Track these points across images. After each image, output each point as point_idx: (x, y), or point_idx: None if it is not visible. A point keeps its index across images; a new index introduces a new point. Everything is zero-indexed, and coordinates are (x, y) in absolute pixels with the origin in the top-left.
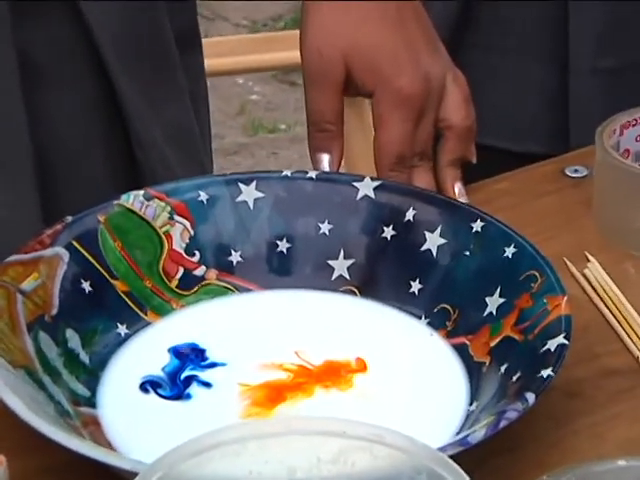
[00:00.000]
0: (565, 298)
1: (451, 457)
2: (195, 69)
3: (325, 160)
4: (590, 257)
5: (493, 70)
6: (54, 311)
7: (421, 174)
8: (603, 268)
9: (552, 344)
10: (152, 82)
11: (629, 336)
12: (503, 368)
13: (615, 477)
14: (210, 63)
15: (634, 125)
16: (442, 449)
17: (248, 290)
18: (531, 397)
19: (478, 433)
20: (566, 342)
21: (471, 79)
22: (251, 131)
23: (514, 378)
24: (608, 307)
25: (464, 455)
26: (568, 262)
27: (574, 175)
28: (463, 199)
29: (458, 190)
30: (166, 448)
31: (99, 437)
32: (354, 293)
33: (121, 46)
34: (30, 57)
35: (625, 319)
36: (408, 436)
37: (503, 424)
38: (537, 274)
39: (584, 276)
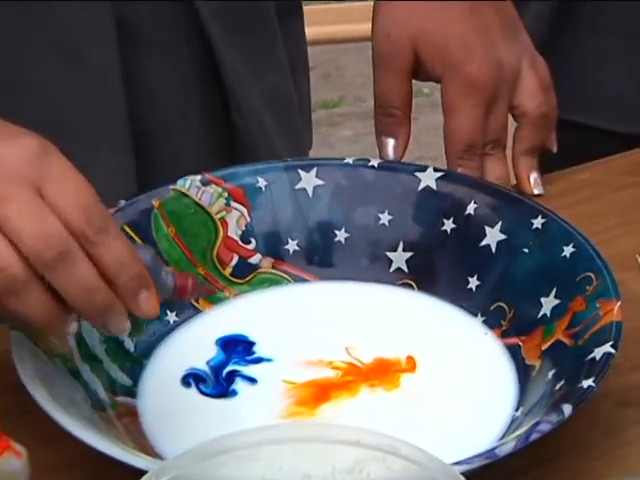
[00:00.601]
0: (618, 303)
1: (485, 467)
2: (295, 37)
3: (390, 145)
4: None
5: (602, 52)
6: None
7: (494, 163)
8: None
9: (598, 352)
10: (252, 49)
11: None
12: (551, 374)
13: None
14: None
15: None
16: (468, 461)
17: (304, 280)
18: (568, 409)
19: (507, 446)
20: (612, 351)
21: (580, 61)
22: None
23: (558, 386)
24: None
25: (502, 464)
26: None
27: None
28: (538, 190)
29: (534, 180)
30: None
31: (134, 428)
32: (411, 287)
33: (222, 13)
34: (129, 24)
35: None
36: (422, 449)
37: (534, 437)
38: (593, 276)
39: None
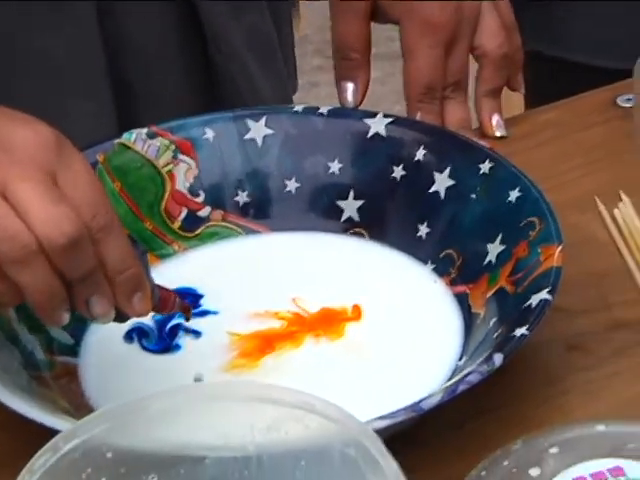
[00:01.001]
0: (559, 248)
1: (420, 419)
2: None
3: (349, 90)
4: (623, 196)
5: None
6: None
7: (454, 106)
8: (636, 209)
9: (535, 299)
10: None
11: None
12: (492, 322)
13: (590, 444)
14: None
15: None
16: (392, 415)
17: (255, 232)
18: (499, 358)
19: (434, 398)
20: (549, 298)
21: None
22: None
23: (495, 334)
24: (631, 252)
25: (438, 416)
26: (598, 201)
27: (626, 105)
28: (501, 132)
29: (496, 122)
30: None
31: (73, 388)
32: (362, 236)
33: None
34: None
35: None
36: (338, 407)
37: (462, 388)
38: (537, 221)
39: (613, 217)
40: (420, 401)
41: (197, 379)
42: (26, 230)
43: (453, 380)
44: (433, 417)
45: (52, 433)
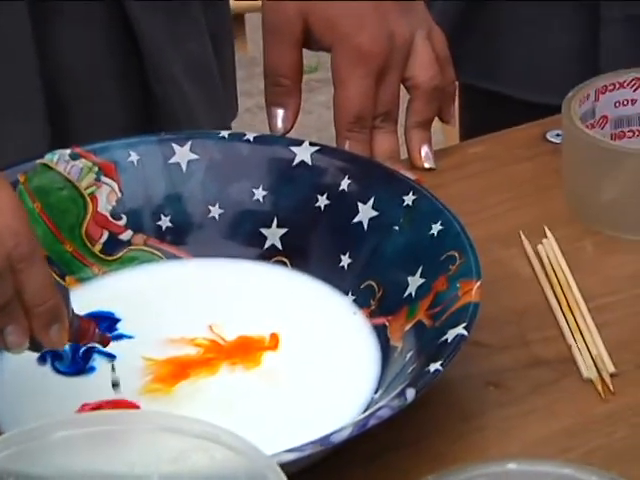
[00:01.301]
0: (478, 284)
1: (332, 451)
2: (217, 7)
3: (279, 116)
4: (548, 232)
5: (518, 19)
6: None
7: (384, 137)
8: (559, 244)
9: (451, 334)
10: (170, 17)
11: (567, 322)
12: (409, 355)
13: None
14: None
15: (612, 90)
16: (301, 448)
17: (176, 257)
18: (411, 394)
19: (343, 432)
20: (465, 333)
21: (495, 28)
22: None
23: (410, 368)
24: (553, 288)
25: (352, 449)
26: (523, 236)
27: (555, 140)
28: (429, 163)
29: (425, 154)
30: None
31: None
32: (285, 264)
33: None
34: None
35: (567, 303)
36: (243, 438)
37: (373, 423)
38: (457, 255)
39: (537, 253)
40: (330, 435)
41: (114, 384)
42: None
43: (364, 414)
44: (346, 449)
45: None
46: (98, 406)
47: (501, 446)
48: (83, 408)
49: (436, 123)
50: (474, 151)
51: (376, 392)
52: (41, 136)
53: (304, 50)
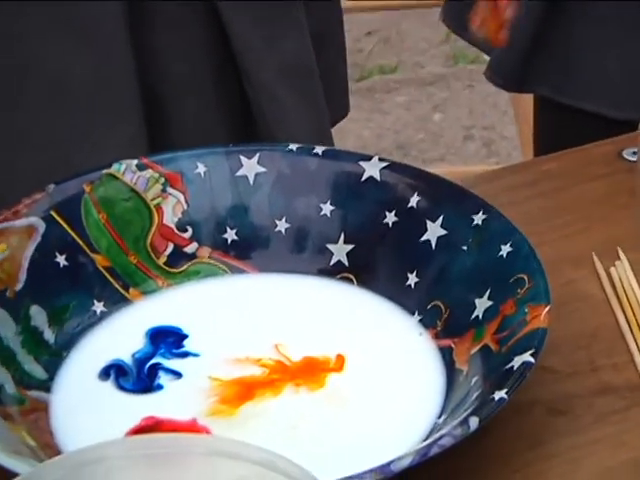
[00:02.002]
0: (547, 308)
1: (390, 477)
2: (324, 5)
3: None
4: (621, 254)
5: (593, 37)
6: (19, 286)
7: None
8: (632, 267)
9: (517, 361)
10: (265, 17)
11: (638, 347)
12: (474, 381)
13: None
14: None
15: None
16: (361, 476)
17: (241, 271)
18: (474, 422)
19: (403, 461)
20: (532, 360)
21: (574, 41)
22: (452, 61)
23: (475, 395)
24: (625, 312)
25: (414, 475)
26: (595, 258)
27: (631, 158)
28: None
29: None
30: None
31: (40, 425)
32: (351, 281)
33: None
34: None
35: (639, 327)
36: (300, 466)
37: (434, 452)
38: (526, 278)
39: (609, 275)
40: (390, 463)
41: None
42: None
43: (426, 442)
44: (405, 474)
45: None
46: (152, 424)
47: (567, 476)
48: (139, 425)
49: (514, 139)
50: (547, 168)
51: (440, 417)
52: (138, 141)
53: (384, 52)
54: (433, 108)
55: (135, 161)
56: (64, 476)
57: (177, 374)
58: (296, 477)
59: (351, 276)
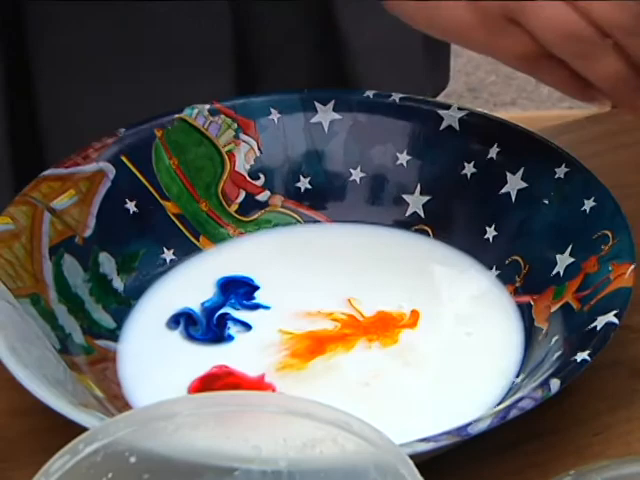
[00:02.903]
0: (632, 267)
1: (467, 439)
2: None
3: None
4: None
5: None
6: (88, 232)
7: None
8: None
9: (601, 321)
10: None
11: None
12: (554, 340)
13: None
14: None
15: None
16: (437, 438)
17: (315, 221)
18: (555, 385)
19: (481, 423)
20: (615, 321)
21: None
22: None
23: (556, 355)
24: None
25: (489, 436)
26: None
27: None
28: None
29: None
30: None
31: (109, 375)
32: (427, 233)
33: None
34: None
35: None
36: (374, 428)
37: (513, 414)
38: (610, 235)
39: None
40: (467, 425)
41: None
42: (584, 22)
43: (504, 404)
44: (480, 437)
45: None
46: (222, 373)
47: None
48: (209, 372)
49: None
50: (631, 118)
51: (518, 376)
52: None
53: None
54: None
55: (207, 106)
56: (133, 432)
57: (247, 326)
58: (371, 439)
59: (427, 228)
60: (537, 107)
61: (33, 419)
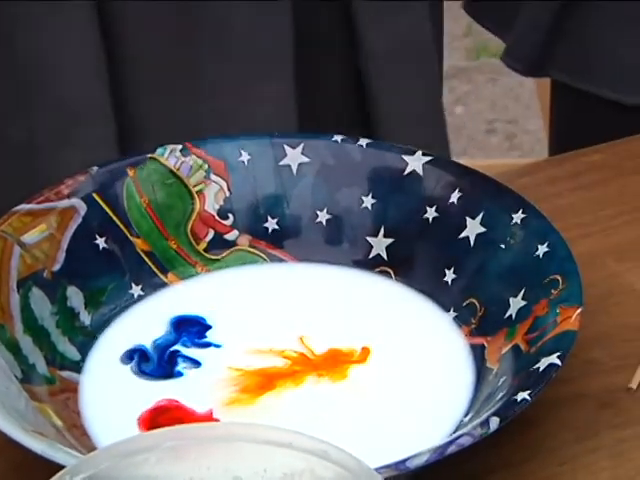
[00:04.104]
0: (578, 310)
1: (432, 468)
2: None
3: None
4: None
5: (617, 16)
6: (57, 266)
7: None
8: None
9: (544, 362)
10: None
11: None
12: (501, 380)
13: None
14: None
15: None
16: (378, 470)
17: (281, 260)
18: (494, 422)
19: (420, 458)
20: (558, 362)
21: (593, 26)
22: (474, 54)
23: (500, 395)
24: None
25: (452, 466)
26: None
27: None
28: None
29: None
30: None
31: (71, 406)
32: (389, 275)
33: None
34: None
35: None
36: (354, 456)
37: (451, 450)
38: (560, 279)
39: None
40: (405, 460)
41: None
42: None
43: (444, 441)
44: (448, 466)
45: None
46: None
47: (614, 469)
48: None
49: (537, 133)
50: (590, 160)
51: (466, 415)
52: (289, 98)
53: None
54: (455, 101)
55: (179, 146)
56: (116, 464)
57: (196, 362)
58: (350, 467)
59: (389, 270)
60: (487, 156)
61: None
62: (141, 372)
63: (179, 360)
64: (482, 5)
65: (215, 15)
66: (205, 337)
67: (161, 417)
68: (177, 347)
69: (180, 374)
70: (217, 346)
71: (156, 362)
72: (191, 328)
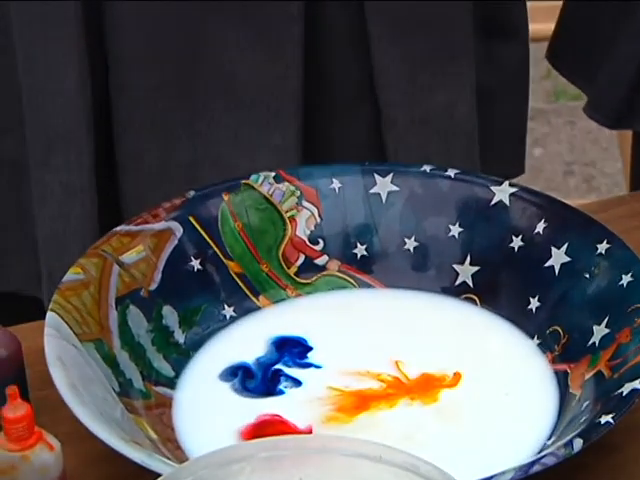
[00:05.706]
0: None
1: None
2: (504, 60)
3: None
4: None
5: None
6: (153, 286)
7: None
8: None
9: (627, 388)
10: (419, 58)
11: None
12: (585, 404)
13: None
14: None
15: None
16: None
17: (369, 285)
18: (578, 444)
19: (505, 476)
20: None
21: None
22: (553, 97)
23: (583, 418)
24: None
25: None
26: None
27: None
28: None
29: None
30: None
31: (164, 420)
32: (474, 302)
33: (388, 13)
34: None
35: None
36: (443, 470)
37: (536, 469)
38: None
39: None
40: (491, 477)
41: None
42: None
43: (529, 460)
44: None
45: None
46: (265, 422)
47: None
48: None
49: (615, 176)
50: None
51: (549, 438)
52: (292, 148)
53: None
54: (533, 143)
55: (273, 173)
56: (213, 471)
57: (297, 382)
58: None
59: (475, 297)
60: (565, 198)
61: (108, 467)
62: (244, 388)
63: (282, 379)
64: (565, 57)
65: (221, 69)
66: (307, 358)
67: (264, 431)
68: (279, 366)
69: (282, 392)
70: (317, 367)
71: (260, 379)
72: (293, 349)
